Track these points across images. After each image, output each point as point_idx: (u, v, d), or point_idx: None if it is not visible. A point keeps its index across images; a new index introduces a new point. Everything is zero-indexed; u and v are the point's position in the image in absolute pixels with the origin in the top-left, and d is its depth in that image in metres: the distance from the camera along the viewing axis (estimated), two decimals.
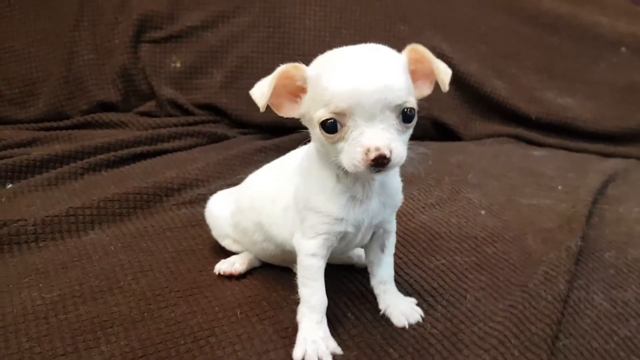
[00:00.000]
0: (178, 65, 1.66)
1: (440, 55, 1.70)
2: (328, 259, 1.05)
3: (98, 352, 0.82)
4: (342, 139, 0.73)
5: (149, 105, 1.65)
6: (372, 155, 0.71)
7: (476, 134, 1.74)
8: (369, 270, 0.95)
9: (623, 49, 1.84)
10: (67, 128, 1.59)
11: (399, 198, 0.89)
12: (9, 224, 1.07)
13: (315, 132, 0.75)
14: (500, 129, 1.75)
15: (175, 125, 1.57)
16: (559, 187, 1.41)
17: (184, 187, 1.27)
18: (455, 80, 1.74)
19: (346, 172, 0.77)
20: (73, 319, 0.88)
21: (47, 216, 1.08)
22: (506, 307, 0.93)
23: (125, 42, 1.64)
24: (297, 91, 0.77)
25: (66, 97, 1.62)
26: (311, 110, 0.75)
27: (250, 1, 1.70)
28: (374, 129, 0.72)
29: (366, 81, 0.71)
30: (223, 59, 1.68)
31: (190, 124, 1.59)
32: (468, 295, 0.98)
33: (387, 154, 0.71)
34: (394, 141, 0.72)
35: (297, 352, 0.82)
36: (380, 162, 0.71)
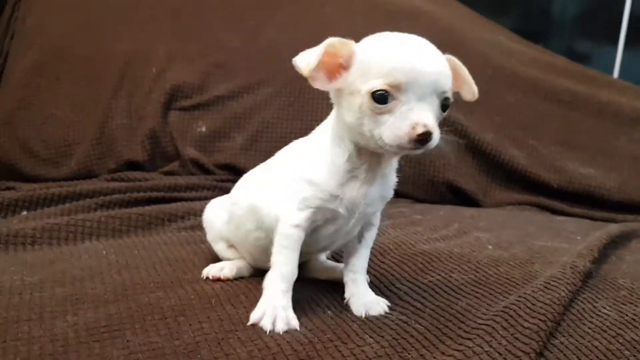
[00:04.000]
0: (204, 129, 1.76)
1: (455, 124, 1.76)
2: (314, 272, 1.03)
3: (63, 320, 0.80)
4: (389, 111, 0.76)
5: (173, 165, 1.72)
6: (420, 130, 0.75)
7: (496, 202, 1.71)
8: (344, 260, 0.93)
9: None
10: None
11: (392, 192, 0.91)
12: (10, 227, 1.10)
13: (356, 103, 0.78)
14: (521, 197, 1.72)
15: (196, 183, 1.62)
16: (578, 238, 1.34)
17: (187, 215, 1.28)
18: (472, 148, 1.75)
19: (360, 151, 0.82)
20: (47, 297, 0.87)
21: (47, 223, 1.11)
22: (500, 309, 0.87)
23: (156, 108, 1.75)
24: (335, 68, 0.81)
25: (97, 157, 1.71)
26: (357, 82, 0.78)
27: (274, 75, 1.81)
28: (422, 107, 0.76)
29: (426, 62, 0.77)
30: (245, 124, 1.76)
31: (208, 181, 1.64)
32: (459, 302, 0.92)
33: (433, 131, 0.75)
34: (435, 122, 0.77)
35: (254, 314, 0.81)
36: (424, 139, 0.75)
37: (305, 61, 0.78)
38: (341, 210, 0.85)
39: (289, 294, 0.84)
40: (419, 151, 0.78)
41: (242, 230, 0.97)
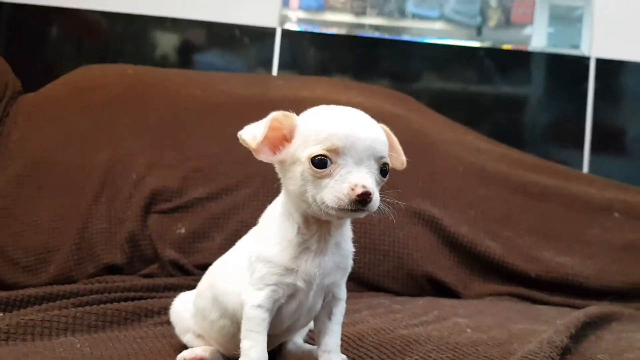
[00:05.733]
0: (183, 231, 1.77)
1: (429, 218, 1.80)
2: (290, 357, 1.02)
3: None
4: (329, 175, 0.80)
5: (152, 268, 1.71)
6: (359, 190, 0.78)
7: (476, 294, 1.71)
8: (316, 340, 0.93)
9: (616, 214, 1.88)
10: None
11: (350, 262, 0.93)
12: None
13: (298, 170, 0.83)
14: (501, 288, 1.72)
15: (174, 283, 1.61)
16: (558, 322, 1.34)
17: (164, 310, 1.26)
18: (448, 241, 1.77)
19: (308, 222, 0.85)
20: None
21: (22, 319, 1.09)
22: None
23: (136, 212, 1.77)
24: (278, 141, 0.86)
25: (76, 262, 1.69)
26: (298, 152, 0.83)
27: (251, 177, 1.86)
28: (360, 170, 0.81)
29: (362, 128, 0.83)
30: (224, 224, 1.78)
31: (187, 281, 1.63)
32: None
33: (372, 192, 0.79)
34: (374, 185, 0.81)
35: None
36: (364, 200, 0.78)
37: (251, 134, 0.84)
38: (299, 283, 0.86)
39: None
40: (361, 214, 0.81)
41: (207, 321, 0.97)
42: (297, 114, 2.04)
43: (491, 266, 1.75)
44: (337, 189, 0.79)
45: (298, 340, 1.04)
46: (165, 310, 1.29)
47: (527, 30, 2.46)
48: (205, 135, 1.98)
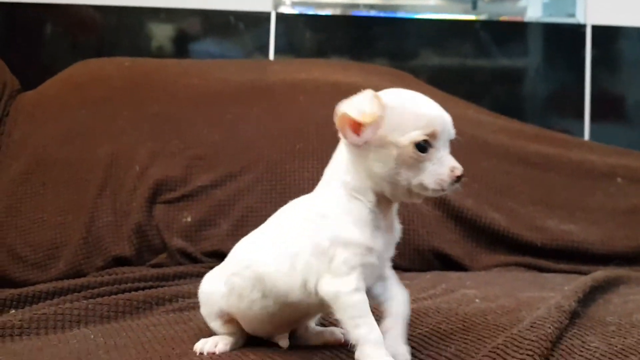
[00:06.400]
0: (189, 219, 1.78)
1: None
2: (306, 339, 1.02)
3: None
4: (429, 159, 0.84)
5: (161, 258, 1.73)
6: (458, 172, 0.85)
7: (483, 265, 1.72)
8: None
9: (619, 179, 1.88)
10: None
11: (399, 236, 0.96)
12: None
13: (390, 154, 0.84)
14: (507, 259, 1.73)
15: (183, 271, 1.62)
16: (565, 288, 1.35)
17: (175, 297, 1.28)
18: (453, 215, 1.79)
19: (379, 201, 0.87)
20: None
21: (35, 314, 1.11)
22: (488, 349, 0.87)
23: (141, 204, 1.78)
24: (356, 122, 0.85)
25: (85, 256, 1.71)
26: (392, 135, 0.84)
27: (255, 162, 1.87)
28: (447, 152, 0.87)
29: (446, 113, 0.88)
30: (230, 210, 1.79)
31: (196, 269, 1.65)
32: (449, 348, 0.92)
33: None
34: None
35: None
36: (459, 179, 0.85)
37: (357, 110, 0.83)
38: (376, 261, 0.88)
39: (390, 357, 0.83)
40: (454, 189, 0.86)
41: (246, 300, 0.95)
42: (297, 97, 2.07)
43: (497, 237, 1.76)
44: (438, 171, 0.84)
45: (310, 322, 1.04)
46: (176, 297, 1.31)
47: (522, 2, 2.45)
48: (205, 123, 1.99)
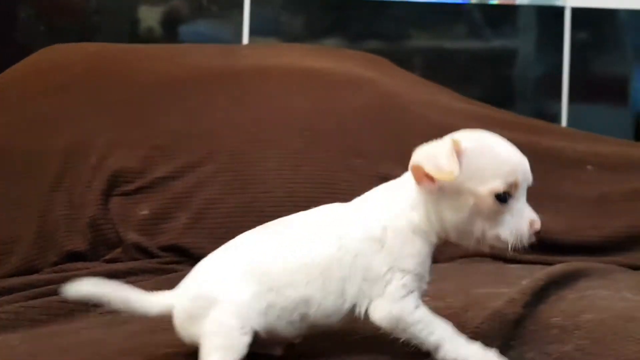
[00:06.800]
0: (146, 212, 1.73)
1: None
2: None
3: None
4: (509, 211, 0.80)
5: (116, 252, 1.68)
6: (537, 226, 0.82)
7: (448, 256, 1.67)
8: None
9: (589, 167, 1.83)
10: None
11: None
12: None
13: (466, 203, 0.80)
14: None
15: (137, 267, 1.58)
16: (523, 282, 1.31)
17: None
18: None
19: (439, 240, 0.87)
20: None
21: None
22: None
23: (97, 196, 1.73)
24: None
25: (38, 251, 1.67)
26: (469, 183, 0.80)
27: (216, 151, 1.81)
28: (524, 202, 0.84)
29: (525, 160, 0.86)
30: (189, 203, 1.74)
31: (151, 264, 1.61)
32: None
33: None
34: None
35: None
36: (539, 233, 0.81)
37: (436, 166, 0.79)
38: (426, 287, 0.90)
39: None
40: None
41: (285, 319, 0.87)
42: (265, 83, 2.02)
43: None
44: (517, 225, 0.80)
45: None
46: None
47: None
48: (167, 111, 1.93)
